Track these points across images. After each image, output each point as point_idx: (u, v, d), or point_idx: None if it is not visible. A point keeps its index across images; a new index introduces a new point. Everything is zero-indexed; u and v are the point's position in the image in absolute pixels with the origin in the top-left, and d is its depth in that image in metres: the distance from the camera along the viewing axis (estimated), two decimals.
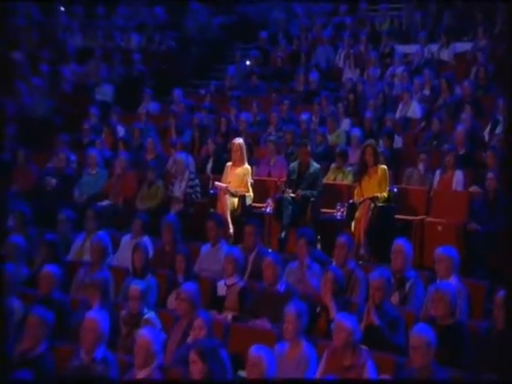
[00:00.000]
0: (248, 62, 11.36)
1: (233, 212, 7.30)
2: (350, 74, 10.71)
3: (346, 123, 9.13)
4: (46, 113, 10.30)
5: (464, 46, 10.54)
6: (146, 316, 5.22)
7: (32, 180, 8.44)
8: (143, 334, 4.73)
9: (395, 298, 5.49)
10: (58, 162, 8.71)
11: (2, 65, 11.44)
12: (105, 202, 7.86)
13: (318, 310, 5.35)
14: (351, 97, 9.61)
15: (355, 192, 7.01)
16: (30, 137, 9.50)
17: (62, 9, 13.71)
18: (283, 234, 7.03)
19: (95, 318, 4.85)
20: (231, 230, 7.11)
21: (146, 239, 6.54)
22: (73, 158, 8.77)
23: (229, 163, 7.69)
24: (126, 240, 6.74)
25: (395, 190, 7.18)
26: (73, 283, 6.21)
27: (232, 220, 7.19)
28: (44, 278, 5.74)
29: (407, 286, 5.56)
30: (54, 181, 8.29)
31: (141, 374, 4.53)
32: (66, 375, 4.78)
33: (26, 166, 8.63)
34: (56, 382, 4.83)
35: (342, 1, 12.59)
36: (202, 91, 10.77)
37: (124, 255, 6.55)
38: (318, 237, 6.78)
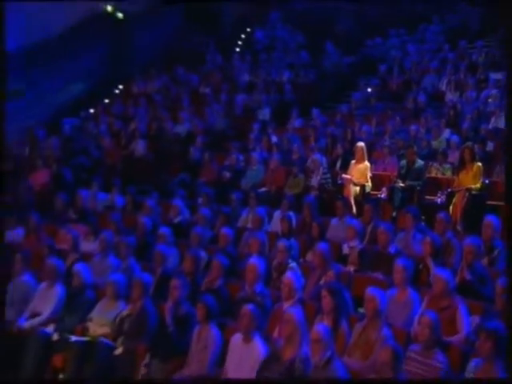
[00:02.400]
0: (369, 89, 11.26)
1: (355, 197, 7.30)
2: (451, 96, 10.34)
3: (446, 132, 8.86)
4: (223, 128, 10.73)
5: None
6: (290, 265, 5.34)
7: (214, 173, 8.74)
8: (288, 275, 4.86)
9: (485, 261, 5.27)
10: (231, 160, 9.05)
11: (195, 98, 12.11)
12: (262, 189, 8.03)
13: (420, 266, 5.25)
14: (451, 112, 9.37)
15: (454, 183, 6.81)
16: (213, 144, 9.93)
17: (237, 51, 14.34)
18: (394, 214, 6.95)
19: (255, 262, 5.03)
20: (354, 210, 7.09)
21: (291, 213, 6.63)
22: (241, 158, 9.04)
23: (353, 161, 7.70)
24: (277, 214, 6.87)
25: (487, 182, 6.93)
26: (241, 242, 6.41)
27: (355, 203, 7.19)
28: (223, 237, 6.02)
29: (495, 252, 5.31)
30: (228, 174, 8.63)
31: (286, 305, 4.61)
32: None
33: (210, 164, 9.01)
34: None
35: (445, 41, 12.26)
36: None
37: (275, 225, 6.71)
38: (423, 217, 6.60)
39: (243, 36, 15.88)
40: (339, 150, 8.61)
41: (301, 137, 9.52)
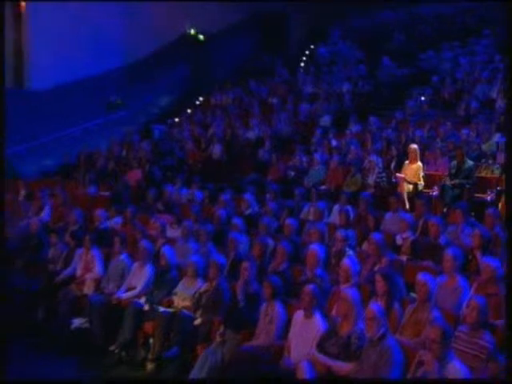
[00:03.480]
0: (422, 98, 10.88)
1: (408, 194, 7.09)
2: (502, 103, 9.78)
3: (496, 136, 8.36)
4: (289, 133, 10.71)
5: None
6: (347, 252, 5.27)
7: (280, 172, 8.75)
8: (346, 261, 4.80)
9: None
10: (295, 161, 8.99)
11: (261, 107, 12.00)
12: (323, 187, 7.96)
13: (469, 258, 5.03)
14: (502, 118, 8.83)
15: (503, 182, 6.46)
16: (279, 147, 9.94)
17: (302, 66, 14.28)
18: (445, 210, 6.69)
19: (316, 249, 5.00)
20: (407, 206, 6.90)
21: (348, 207, 6.55)
22: (304, 159, 8.97)
23: (406, 162, 7.48)
24: (336, 208, 6.79)
25: None
26: (303, 232, 6.31)
27: (408, 199, 6.99)
28: (287, 227, 6.02)
29: None
30: (292, 173, 8.61)
31: (344, 287, 4.52)
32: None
33: (277, 164, 9.02)
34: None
35: (496, 53, 11.62)
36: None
37: (334, 217, 6.64)
38: (472, 213, 6.33)
39: (307, 52, 15.82)
40: (393, 151, 8.38)
41: (358, 141, 9.36)
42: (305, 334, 4.11)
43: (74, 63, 12.01)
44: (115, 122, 12.63)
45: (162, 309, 5.12)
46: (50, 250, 6.67)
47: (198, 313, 4.99)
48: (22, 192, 9.08)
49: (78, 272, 6.16)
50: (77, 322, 5.54)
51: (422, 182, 7.30)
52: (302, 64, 14.90)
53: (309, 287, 4.22)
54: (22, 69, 11.87)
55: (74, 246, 6.48)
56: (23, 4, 11.77)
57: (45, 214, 8.04)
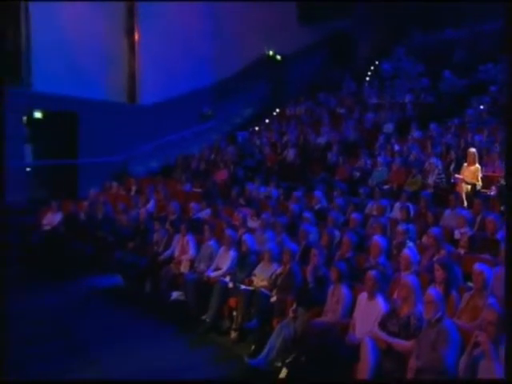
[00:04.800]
0: (481, 106, 10.20)
1: (467, 194, 6.67)
2: None
3: None
4: (355, 139, 10.47)
5: None
6: (408, 244, 5.08)
7: (346, 173, 8.57)
8: (406, 251, 4.62)
9: None
10: (360, 163, 8.79)
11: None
12: (385, 186, 7.70)
13: None
14: None
15: None
16: (346, 151, 9.75)
17: (367, 80, 13.91)
18: (502, 208, 6.22)
19: (379, 239, 4.86)
20: (465, 204, 6.51)
21: (409, 204, 6.28)
22: (369, 161, 8.75)
23: (465, 164, 7.06)
24: (397, 205, 6.55)
25: None
26: (367, 226, 6.15)
27: (466, 198, 6.58)
28: (353, 220, 5.90)
29: None
30: (357, 174, 8.41)
31: (404, 274, 4.35)
32: None
33: (344, 166, 8.86)
34: None
35: None
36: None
37: (396, 213, 6.40)
38: None
39: (372, 68, 15.39)
40: (453, 155, 7.92)
41: (419, 145, 8.96)
42: (368, 313, 4.02)
43: (173, 81, 12.61)
44: (206, 131, 13.08)
45: (243, 287, 5.18)
46: (154, 235, 6.90)
47: (274, 292, 5.01)
48: (133, 188, 9.62)
49: (176, 254, 6.35)
50: (175, 294, 5.72)
51: (479, 183, 6.86)
52: (368, 78, 14.51)
53: (372, 272, 4.12)
54: (134, 88, 12.62)
55: (173, 232, 6.68)
56: (137, 36, 12.63)
57: (150, 205, 8.37)
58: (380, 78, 13.71)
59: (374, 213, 6.53)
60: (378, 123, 11.03)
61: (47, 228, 7.97)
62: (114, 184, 9.89)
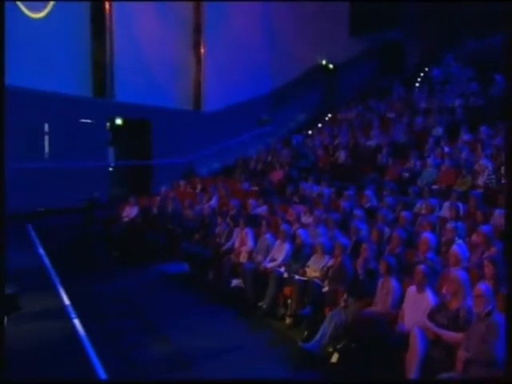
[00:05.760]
0: None
1: None
2: None
3: None
4: (405, 141, 10.08)
5: None
6: (457, 241, 4.85)
7: (396, 174, 8.30)
8: (455, 248, 4.42)
9: None
10: (410, 165, 8.47)
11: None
12: (435, 186, 7.37)
13: None
14: None
15: None
16: (396, 153, 9.43)
17: (417, 86, 13.39)
18: None
19: (428, 236, 4.67)
20: None
21: (458, 203, 5.99)
22: (418, 163, 8.43)
23: None
24: (447, 204, 6.21)
25: None
26: (416, 224, 5.87)
27: None
28: (402, 218, 5.70)
29: None
30: (407, 174, 8.13)
31: (453, 269, 4.10)
32: None
33: (394, 167, 8.57)
34: None
35: None
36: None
37: (445, 212, 6.10)
38: None
39: (422, 74, 14.80)
40: (503, 157, 7.45)
41: (469, 148, 8.51)
42: (417, 305, 3.88)
43: (234, 90, 12.89)
44: (263, 135, 13.23)
45: (297, 277, 5.17)
46: (217, 228, 7.04)
47: (326, 282, 4.96)
48: (198, 186, 9.92)
49: (236, 245, 6.44)
50: (235, 282, 5.80)
51: None
52: (417, 84, 13.96)
53: (421, 267, 3.98)
54: (200, 96, 13.05)
55: (233, 226, 6.78)
56: (203, 50, 13.08)
57: (213, 202, 8.56)
58: (430, 84, 13.15)
59: (423, 211, 6.28)
60: (428, 127, 10.58)
61: (126, 220, 8.42)
62: (182, 182, 10.27)
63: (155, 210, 8.61)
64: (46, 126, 10.25)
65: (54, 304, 5.29)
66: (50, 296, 5.54)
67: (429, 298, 3.87)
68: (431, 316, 3.71)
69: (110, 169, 11.91)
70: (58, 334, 4.49)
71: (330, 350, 4.23)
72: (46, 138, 10.26)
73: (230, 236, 6.72)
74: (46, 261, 7.08)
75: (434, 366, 3.44)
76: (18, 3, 9.95)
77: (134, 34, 11.86)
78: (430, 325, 3.61)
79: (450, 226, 5.00)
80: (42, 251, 7.65)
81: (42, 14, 10.53)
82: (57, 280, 6.16)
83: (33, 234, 8.82)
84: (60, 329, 4.61)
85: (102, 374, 3.75)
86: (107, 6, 11.53)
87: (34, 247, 7.93)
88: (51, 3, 10.58)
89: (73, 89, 10.87)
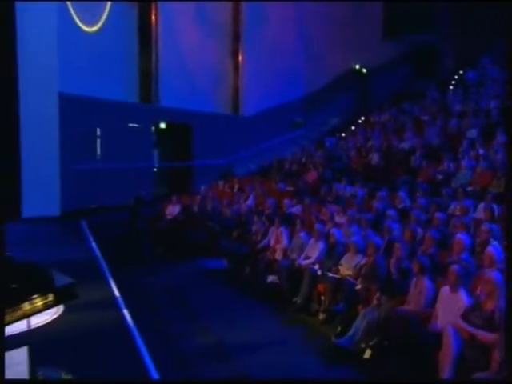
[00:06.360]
0: None
1: None
2: None
3: None
4: (438, 144, 9.75)
5: None
6: (493, 242, 4.65)
7: (429, 175, 8.02)
8: (490, 249, 4.23)
9: None
10: (444, 167, 8.19)
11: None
12: (469, 188, 7.08)
13: None
14: None
15: None
16: (429, 155, 9.13)
17: (451, 88, 12.90)
18: None
19: (462, 237, 4.50)
20: None
21: (494, 205, 5.71)
22: (452, 165, 8.11)
23: None
24: (481, 206, 5.97)
25: None
26: (450, 225, 5.66)
27: None
28: (435, 219, 5.53)
29: None
30: (440, 176, 7.87)
31: (488, 270, 3.91)
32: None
33: (427, 169, 8.29)
34: None
35: None
36: None
37: (479, 213, 5.87)
38: None
39: (456, 77, 14.25)
40: None
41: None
42: (450, 305, 3.75)
43: (270, 95, 12.96)
44: (298, 137, 13.22)
45: (330, 274, 5.12)
46: (253, 226, 7.10)
47: (359, 280, 4.88)
48: (236, 186, 10.04)
49: (271, 243, 6.45)
50: (270, 278, 5.81)
51: None
52: (451, 87, 13.46)
53: (454, 267, 3.84)
54: (237, 101, 13.22)
55: (269, 225, 6.80)
56: (240, 57, 13.27)
57: (250, 201, 8.62)
58: (464, 86, 12.65)
59: (457, 213, 6.05)
60: (462, 129, 10.18)
61: (169, 217, 8.65)
62: (220, 182, 10.43)
63: (196, 209, 8.79)
64: (98, 130, 10.71)
65: (105, 294, 5.50)
66: (102, 287, 5.77)
67: (463, 298, 3.74)
68: (465, 316, 3.58)
69: (155, 169, 12.29)
70: (109, 323, 4.67)
71: (363, 346, 4.17)
72: (98, 141, 10.71)
73: (265, 234, 6.73)
74: (98, 254, 7.38)
75: (468, 366, 3.32)
76: (76, 19, 10.44)
77: (178, 43, 12.18)
78: (464, 324, 3.48)
79: (484, 227, 4.80)
80: (94, 245, 7.97)
81: (95, 28, 11.02)
82: (107, 272, 6.41)
83: (86, 229, 9.22)
84: (110, 318, 4.79)
85: (149, 362, 3.86)
86: (153, 18, 11.91)
87: (87, 241, 8.28)
88: (103, 18, 11.04)
89: (121, 95, 11.32)
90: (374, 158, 9.76)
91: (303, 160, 10.89)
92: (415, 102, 12.84)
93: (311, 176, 9.49)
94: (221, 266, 7.01)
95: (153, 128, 12.19)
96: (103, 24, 11.09)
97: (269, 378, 3.71)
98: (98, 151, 10.75)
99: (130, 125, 11.36)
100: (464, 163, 7.71)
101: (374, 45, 14.35)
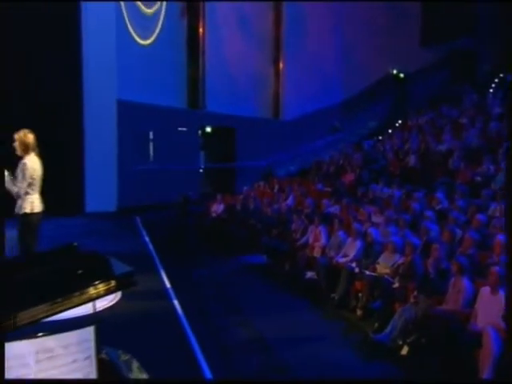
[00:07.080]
0: None
1: None
2: None
3: None
4: (478, 146, 9.24)
5: None
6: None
7: (468, 177, 7.61)
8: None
9: None
10: (483, 169, 7.76)
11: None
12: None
13: None
14: None
15: None
16: (468, 157, 8.69)
17: (491, 91, 12.22)
18: None
19: (502, 238, 4.27)
20: None
21: None
22: (491, 168, 7.67)
23: None
24: None
25: None
26: (489, 226, 5.43)
27: None
28: (476, 221, 5.28)
29: None
30: (479, 178, 7.43)
31: (496, 268, 3.73)
32: None
33: (465, 171, 7.90)
34: None
35: None
36: None
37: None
38: None
39: (496, 80, 13.47)
40: None
41: None
42: (491, 306, 3.59)
43: (309, 100, 12.91)
44: (336, 141, 13.05)
45: (368, 272, 5.02)
46: (293, 225, 7.06)
47: (396, 279, 4.75)
48: (276, 186, 10.09)
49: (310, 241, 6.41)
50: (309, 274, 5.77)
51: None
52: (491, 90, 12.74)
53: (495, 268, 3.66)
54: (278, 106, 13.29)
55: (308, 223, 6.75)
56: (281, 65, 13.35)
57: (289, 201, 8.60)
58: (504, 89, 11.91)
59: (497, 214, 5.73)
60: (502, 132, 9.59)
61: (214, 215, 8.84)
62: (262, 183, 10.52)
63: (238, 207, 8.92)
64: (151, 134, 11.15)
65: (157, 285, 5.70)
66: (154, 278, 5.98)
67: (503, 300, 3.55)
68: (506, 317, 3.40)
69: (201, 170, 12.62)
70: (161, 311, 4.84)
71: (400, 342, 4.07)
72: (151, 143, 11.15)
73: (304, 232, 6.69)
74: (151, 247, 7.67)
75: (509, 367, 3.15)
76: (132, 34, 10.93)
77: (223, 53, 12.42)
78: (505, 325, 3.31)
79: None
80: (147, 239, 8.29)
81: (149, 41, 11.52)
82: (159, 264, 6.65)
83: (139, 224, 9.60)
84: (163, 307, 4.96)
85: (197, 348, 3.97)
86: (201, 30, 12.23)
87: (141, 236, 8.62)
88: (156, 32, 11.50)
89: (172, 101, 11.72)
90: (412, 160, 9.44)
91: (341, 162, 10.74)
92: (453, 105, 12.29)
93: (349, 177, 9.34)
94: (261, 261, 7.05)
95: (199, 132, 12.53)
96: (156, 37, 11.56)
97: (308, 373, 3.73)
98: (151, 153, 11.18)
99: (179, 129, 11.72)
100: (504, 165, 7.27)
101: (412, 51, 13.90)
